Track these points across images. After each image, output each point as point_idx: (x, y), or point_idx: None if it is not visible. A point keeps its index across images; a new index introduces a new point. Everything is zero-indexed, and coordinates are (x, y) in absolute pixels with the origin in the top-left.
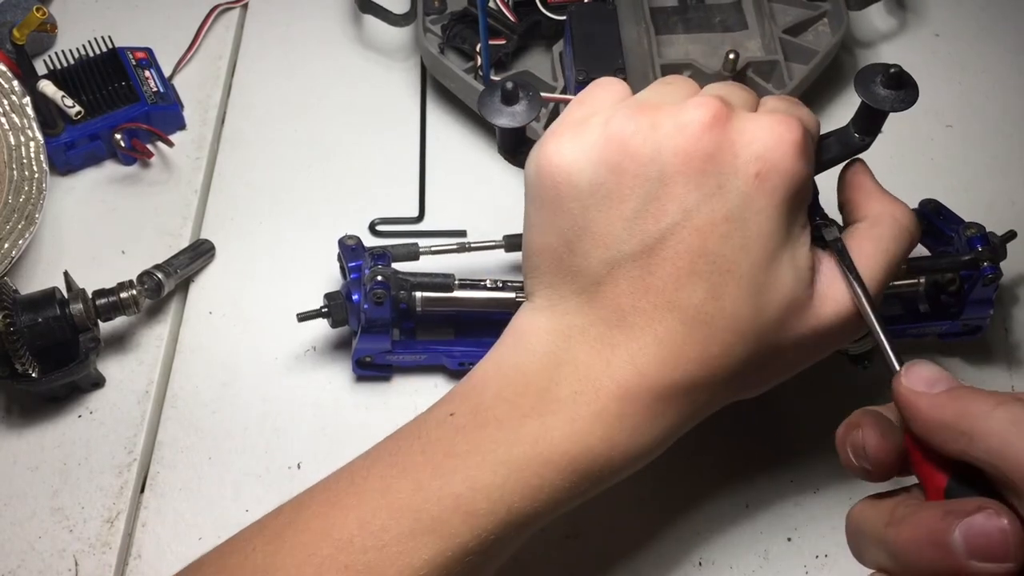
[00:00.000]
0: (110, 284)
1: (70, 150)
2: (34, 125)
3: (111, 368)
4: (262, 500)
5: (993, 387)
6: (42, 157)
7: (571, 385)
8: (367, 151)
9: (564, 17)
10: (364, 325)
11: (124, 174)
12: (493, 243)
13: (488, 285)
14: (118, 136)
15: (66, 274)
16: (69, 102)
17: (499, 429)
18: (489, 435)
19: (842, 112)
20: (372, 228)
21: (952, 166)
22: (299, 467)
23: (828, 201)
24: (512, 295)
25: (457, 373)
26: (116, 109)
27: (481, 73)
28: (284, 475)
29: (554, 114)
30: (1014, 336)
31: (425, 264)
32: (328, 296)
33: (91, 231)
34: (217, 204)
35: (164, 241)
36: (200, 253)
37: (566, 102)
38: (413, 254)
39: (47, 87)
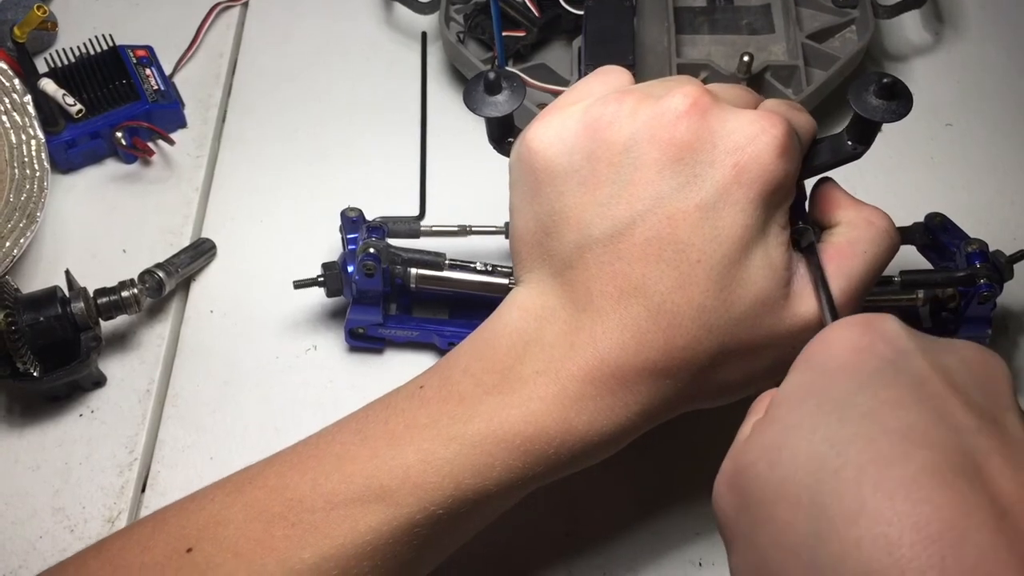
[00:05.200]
0: (111, 283)
1: (71, 148)
2: (35, 123)
3: (112, 367)
4: None
5: None
6: (43, 155)
7: (534, 365)
8: (368, 150)
9: (583, 12)
10: (356, 296)
11: (125, 172)
12: (494, 228)
13: (479, 268)
14: (119, 134)
15: (67, 273)
16: (70, 100)
17: (460, 404)
18: (449, 410)
19: None
20: None
21: (952, 165)
22: None
23: None
24: (503, 280)
25: (446, 352)
26: (117, 107)
27: (494, 66)
28: None
29: None
30: (1018, 361)
31: (426, 245)
32: (325, 266)
33: (92, 230)
34: (218, 203)
35: (165, 240)
36: (201, 252)
37: (553, 93)
38: (413, 232)
39: (48, 85)
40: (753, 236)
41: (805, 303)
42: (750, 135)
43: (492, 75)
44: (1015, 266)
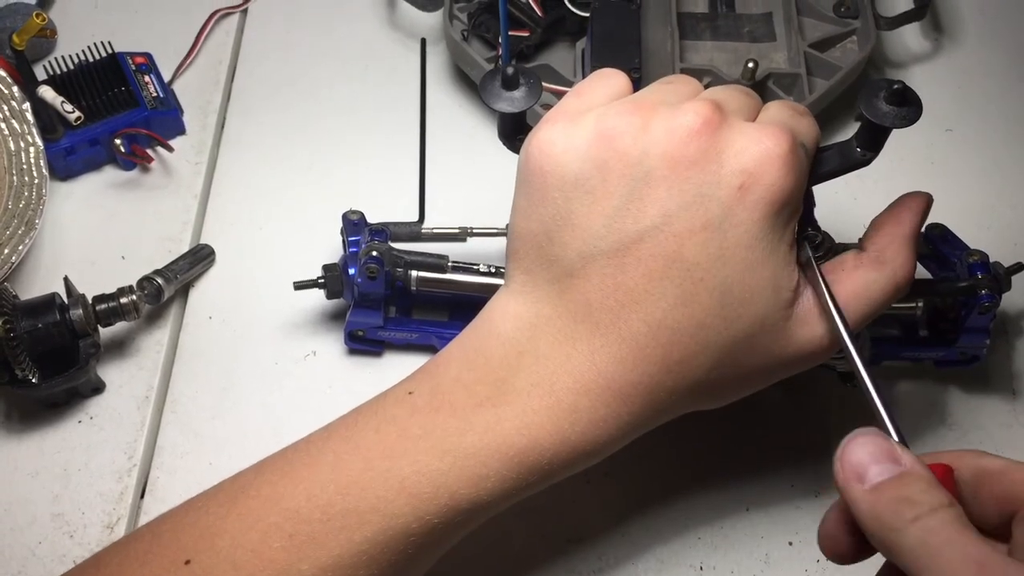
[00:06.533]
0: (110, 289)
1: (70, 155)
2: (34, 131)
3: (111, 373)
4: None
5: (993, 418)
6: (42, 162)
7: (529, 377)
8: (367, 155)
9: (588, 14)
10: (357, 299)
11: (124, 179)
12: (496, 231)
13: (482, 270)
14: (118, 141)
15: (66, 279)
16: (69, 107)
17: (452, 416)
18: (442, 421)
19: None
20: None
21: (952, 170)
22: None
23: (826, 215)
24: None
25: None
26: (116, 114)
27: (502, 63)
28: None
29: None
30: (1016, 366)
31: (426, 248)
32: (326, 267)
33: (91, 236)
34: (217, 209)
35: (164, 246)
36: (200, 258)
37: (557, 93)
38: (415, 234)
39: (47, 92)
40: (759, 256)
41: (806, 329)
42: (755, 156)
43: (510, 70)
44: (1011, 277)
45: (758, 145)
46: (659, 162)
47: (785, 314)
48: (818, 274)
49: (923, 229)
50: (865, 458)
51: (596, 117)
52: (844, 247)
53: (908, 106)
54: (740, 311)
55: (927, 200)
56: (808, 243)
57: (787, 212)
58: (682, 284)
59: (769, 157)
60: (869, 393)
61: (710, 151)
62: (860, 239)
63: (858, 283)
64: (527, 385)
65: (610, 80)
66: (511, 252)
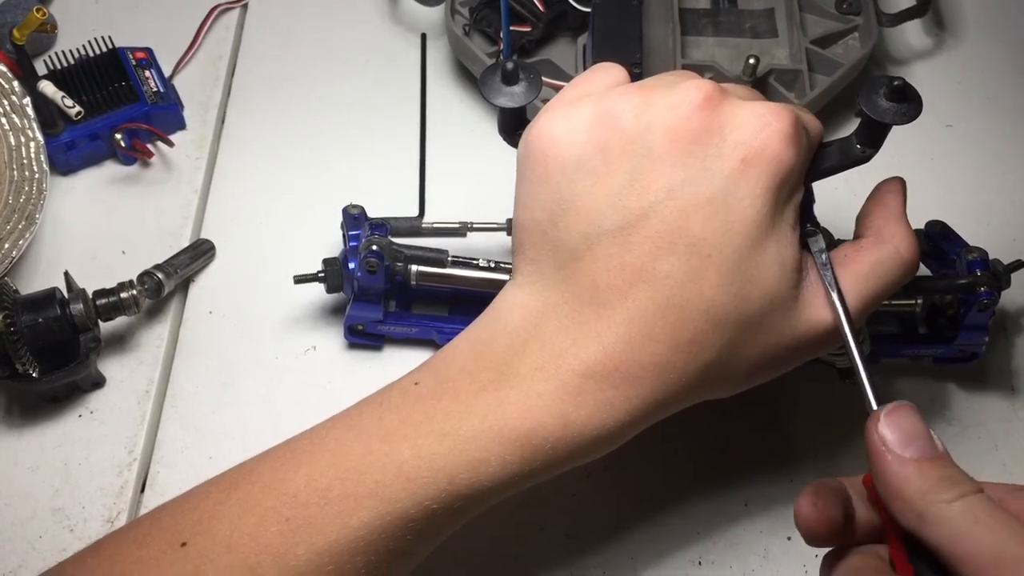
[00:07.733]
0: (110, 284)
1: (70, 150)
2: (34, 125)
3: (111, 368)
4: None
5: (992, 415)
6: (42, 157)
7: (533, 361)
8: (368, 150)
9: (590, 9)
10: (357, 293)
11: (124, 174)
12: (496, 225)
13: (481, 264)
14: (118, 136)
15: (66, 274)
16: (69, 102)
17: (455, 401)
18: (444, 406)
19: None
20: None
21: (952, 167)
22: None
23: (826, 211)
24: (505, 277)
25: None
26: (116, 109)
27: (503, 58)
28: None
29: None
30: (1015, 363)
31: (426, 243)
32: (325, 261)
33: (91, 231)
34: (217, 204)
35: (164, 241)
36: (200, 253)
37: (557, 88)
38: (415, 229)
39: (47, 87)
40: (763, 231)
41: (812, 310)
42: (756, 128)
43: (510, 65)
44: (1010, 275)
45: (760, 119)
46: (661, 137)
47: (793, 293)
48: (828, 262)
49: (923, 226)
50: (909, 429)
51: (595, 99)
52: (843, 243)
53: (908, 103)
54: (749, 288)
55: (901, 182)
56: (806, 237)
57: (788, 188)
58: (690, 260)
59: (771, 131)
60: (864, 388)
61: (712, 125)
62: (854, 233)
63: (863, 264)
64: (531, 369)
65: (608, 72)
66: (516, 245)
